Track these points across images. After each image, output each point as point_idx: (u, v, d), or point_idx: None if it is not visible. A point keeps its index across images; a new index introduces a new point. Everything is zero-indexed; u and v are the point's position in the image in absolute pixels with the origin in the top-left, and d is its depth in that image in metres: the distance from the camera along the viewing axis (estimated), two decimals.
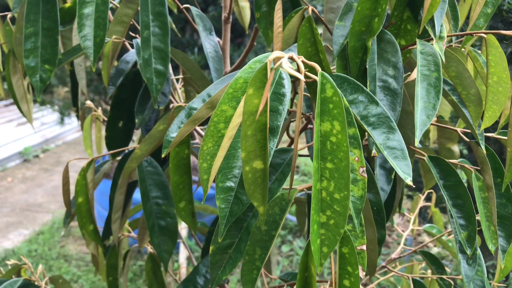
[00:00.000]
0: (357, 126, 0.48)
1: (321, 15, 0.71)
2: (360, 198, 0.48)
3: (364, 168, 0.48)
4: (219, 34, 1.01)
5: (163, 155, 0.57)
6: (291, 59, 0.41)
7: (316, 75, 0.43)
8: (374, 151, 0.55)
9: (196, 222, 0.67)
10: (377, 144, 0.50)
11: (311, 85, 0.61)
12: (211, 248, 0.53)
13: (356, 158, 0.48)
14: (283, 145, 0.72)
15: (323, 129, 0.41)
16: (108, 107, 0.95)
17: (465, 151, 2.14)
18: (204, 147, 0.45)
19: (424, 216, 2.47)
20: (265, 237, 0.51)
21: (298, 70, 0.43)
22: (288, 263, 3.09)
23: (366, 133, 0.53)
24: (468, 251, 0.64)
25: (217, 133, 0.45)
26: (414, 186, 0.48)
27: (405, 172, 0.49)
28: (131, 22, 0.88)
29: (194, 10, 0.84)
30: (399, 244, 3.21)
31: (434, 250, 3.04)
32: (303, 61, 0.42)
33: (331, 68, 0.65)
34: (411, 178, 0.49)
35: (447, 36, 0.62)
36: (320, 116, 0.41)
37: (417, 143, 0.52)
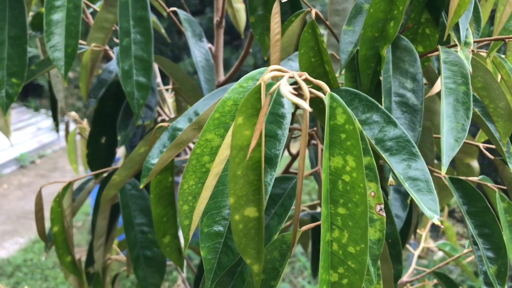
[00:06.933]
0: (372, 152, 0.40)
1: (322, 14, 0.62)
2: (377, 241, 0.40)
3: (382, 206, 0.40)
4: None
5: (141, 185, 0.49)
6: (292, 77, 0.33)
7: (321, 90, 0.35)
8: (391, 180, 0.47)
9: (183, 260, 0.59)
10: (396, 174, 0.42)
11: (315, 100, 0.52)
12: None
13: (372, 193, 0.39)
14: (283, 162, 0.63)
15: (333, 165, 0.33)
16: None
17: None
18: (184, 185, 0.36)
19: (432, 225, 2.38)
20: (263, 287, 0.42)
21: (300, 89, 0.34)
22: (290, 270, 3.00)
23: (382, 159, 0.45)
24: None
25: (200, 168, 0.36)
26: (442, 226, 0.40)
27: (431, 208, 0.40)
28: (114, 28, 0.79)
29: (182, 14, 0.76)
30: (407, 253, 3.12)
31: (439, 255, 2.96)
32: (306, 79, 0.34)
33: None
34: (439, 216, 0.40)
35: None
36: (329, 148, 0.33)
37: (444, 172, 0.43)
